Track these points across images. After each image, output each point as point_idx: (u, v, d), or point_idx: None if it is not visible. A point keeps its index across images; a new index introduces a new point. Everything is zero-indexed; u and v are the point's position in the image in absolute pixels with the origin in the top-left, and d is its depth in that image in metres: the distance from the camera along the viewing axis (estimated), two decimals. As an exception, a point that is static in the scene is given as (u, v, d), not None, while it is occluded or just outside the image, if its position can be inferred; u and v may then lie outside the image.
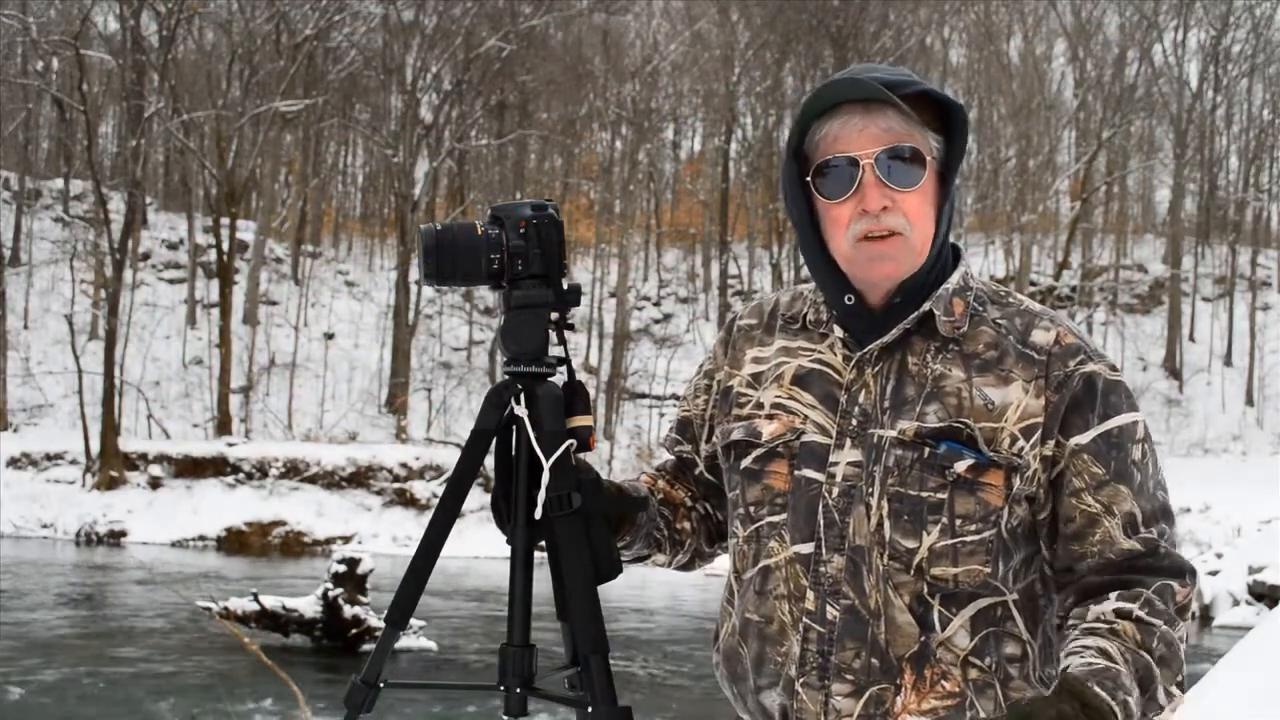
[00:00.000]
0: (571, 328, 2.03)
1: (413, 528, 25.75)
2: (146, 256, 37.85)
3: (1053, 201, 40.03)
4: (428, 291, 35.80)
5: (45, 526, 25.97)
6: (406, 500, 27.01)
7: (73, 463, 27.55)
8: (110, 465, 26.85)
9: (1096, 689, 1.64)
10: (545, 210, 2.00)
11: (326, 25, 34.66)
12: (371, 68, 38.95)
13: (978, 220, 40.73)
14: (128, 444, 27.76)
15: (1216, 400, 37.81)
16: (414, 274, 31.17)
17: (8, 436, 28.89)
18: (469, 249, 1.97)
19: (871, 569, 1.79)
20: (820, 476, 1.83)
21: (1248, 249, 42.16)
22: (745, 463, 1.91)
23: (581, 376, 2.28)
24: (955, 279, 1.86)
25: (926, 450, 1.78)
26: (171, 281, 37.77)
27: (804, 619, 1.82)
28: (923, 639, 1.77)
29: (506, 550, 1.99)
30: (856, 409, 1.83)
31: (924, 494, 1.78)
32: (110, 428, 27.22)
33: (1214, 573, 20.14)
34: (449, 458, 27.11)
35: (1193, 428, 36.17)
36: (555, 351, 2.01)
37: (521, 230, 1.98)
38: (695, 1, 41.36)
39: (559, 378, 2.01)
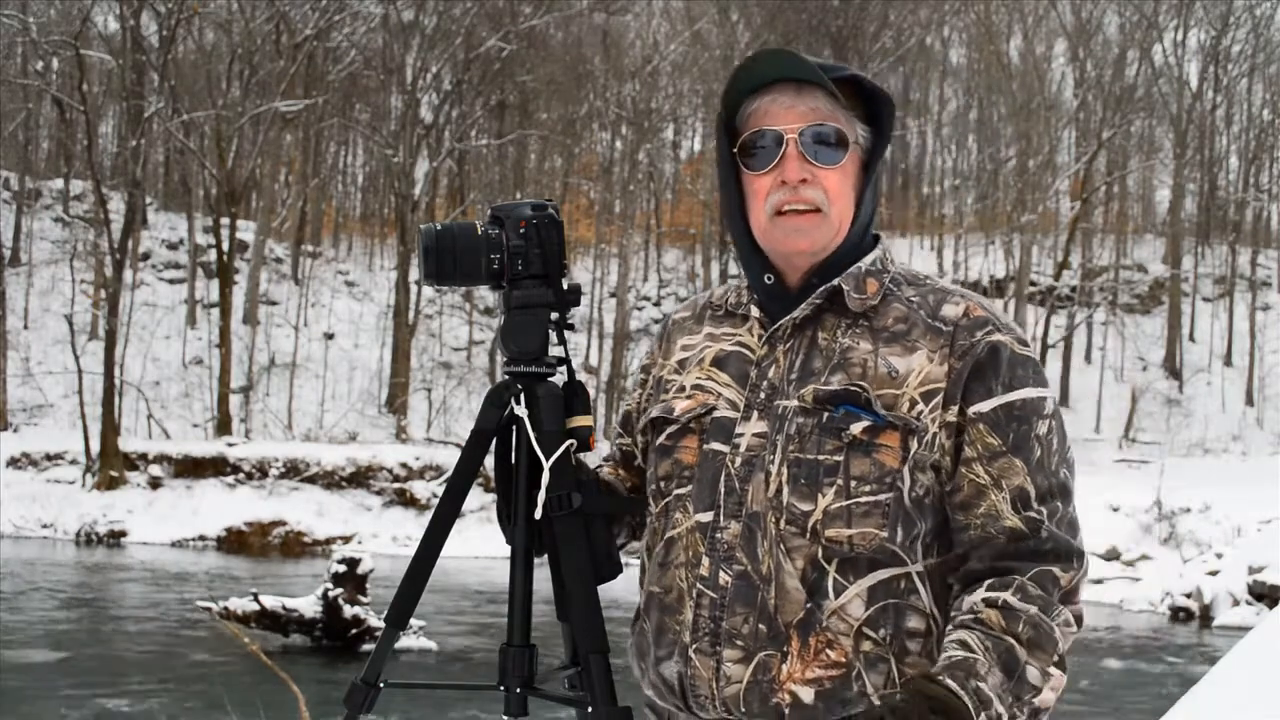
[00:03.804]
0: (571, 328, 2.04)
1: (413, 528, 25.73)
2: (146, 256, 37.84)
3: (1053, 201, 39.97)
4: (428, 291, 35.78)
5: (45, 526, 25.94)
6: (406, 500, 26.99)
7: (73, 463, 27.53)
8: (110, 465, 26.83)
9: (947, 681, 1.65)
10: (545, 210, 2.01)
11: (326, 25, 34.63)
12: (371, 68, 38.92)
13: (978, 220, 40.70)
14: (128, 444, 27.74)
15: (1216, 400, 37.78)
16: (414, 274, 31.15)
17: (8, 436, 28.88)
18: (469, 249, 1.97)
19: (766, 534, 1.79)
20: (725, 448, 1.85)
21: (1248, 249, 42.14)
22: (659, 439, 1.93)
23: (581, 376, 2.29)
24: (869, 260, 1.89)
25: (825, 415, 1.80)
26: (171, 281, 37.75)
27: (698, 584, 1.82)
28: (808, 605, 1.76)
29: (507, 550, 1.99)
30: (765, 383, 1.86)
31: (821, 457, 1.78)
32: (110, 428, 27.20)
33: (1214, 573, 20.14)
34: (449, 458, 27.09)
35: (1193, 428, 36.14)
36: (555, 351, 2.01)
37: (521, 230, 1.98)
38: (695, 1, 41.33)
39: (559, 378, 2.02)
